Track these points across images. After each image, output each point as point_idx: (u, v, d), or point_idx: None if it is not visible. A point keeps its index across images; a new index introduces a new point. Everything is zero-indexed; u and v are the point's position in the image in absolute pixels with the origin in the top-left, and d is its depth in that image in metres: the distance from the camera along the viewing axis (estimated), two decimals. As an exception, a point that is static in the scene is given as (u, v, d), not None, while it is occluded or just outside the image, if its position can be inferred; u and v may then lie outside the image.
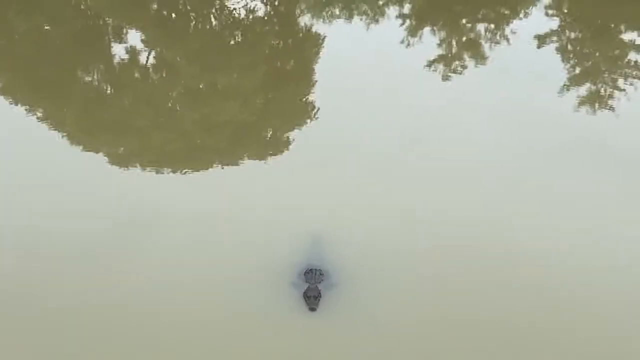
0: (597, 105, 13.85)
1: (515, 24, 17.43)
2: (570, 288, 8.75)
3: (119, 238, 9.31)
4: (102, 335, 7.93)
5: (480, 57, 15.84)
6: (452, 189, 10.64)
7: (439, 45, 16.43)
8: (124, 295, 8.47)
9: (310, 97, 13.73)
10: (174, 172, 11.15)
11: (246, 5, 17.27)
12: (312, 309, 8.19)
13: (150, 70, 14.91)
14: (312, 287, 8.45)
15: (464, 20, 17.83)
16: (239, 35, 16.80)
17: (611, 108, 13.78)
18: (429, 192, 10.57)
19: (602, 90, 14.48)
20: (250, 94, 13.83)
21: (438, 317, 8.27)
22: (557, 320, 8.28)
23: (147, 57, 15.17)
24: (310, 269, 8.74)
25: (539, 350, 7.90)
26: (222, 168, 11.51)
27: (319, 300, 8.28)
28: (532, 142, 11.98)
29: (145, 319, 8.16)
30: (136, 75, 14.92)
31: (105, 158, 11.44)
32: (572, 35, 17.09)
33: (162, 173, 11.15)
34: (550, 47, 16.00)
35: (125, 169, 11.24)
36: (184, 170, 11.16)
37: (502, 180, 10.91)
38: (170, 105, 13.98)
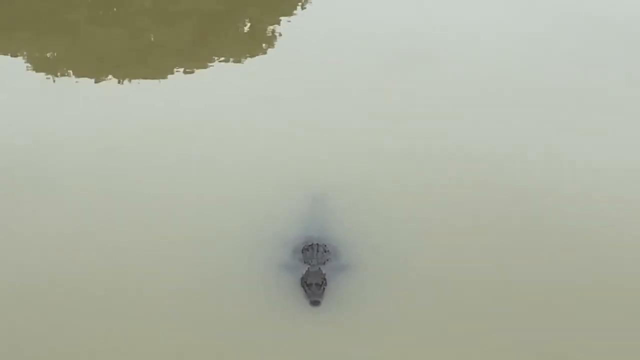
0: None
1: None
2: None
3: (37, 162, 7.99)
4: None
5: None
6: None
7: None
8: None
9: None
10: (119, 82, 9.95)
11: None
12: (315, 303, 6.59)
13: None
14: (314, 270, 6.87)
15: None
16: None
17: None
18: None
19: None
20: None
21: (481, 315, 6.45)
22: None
23: None
24: (311, 244, 7.17)
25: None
26: (184, 74, 10.27)
27: (323, 289, 6.72)
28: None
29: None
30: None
31: (28, 64, 10.49)
32: None
33: (104, 82, 9.93)
34: None
35: (53, 78, 10.05)
36: (132, 80, 10.04)
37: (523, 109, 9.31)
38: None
